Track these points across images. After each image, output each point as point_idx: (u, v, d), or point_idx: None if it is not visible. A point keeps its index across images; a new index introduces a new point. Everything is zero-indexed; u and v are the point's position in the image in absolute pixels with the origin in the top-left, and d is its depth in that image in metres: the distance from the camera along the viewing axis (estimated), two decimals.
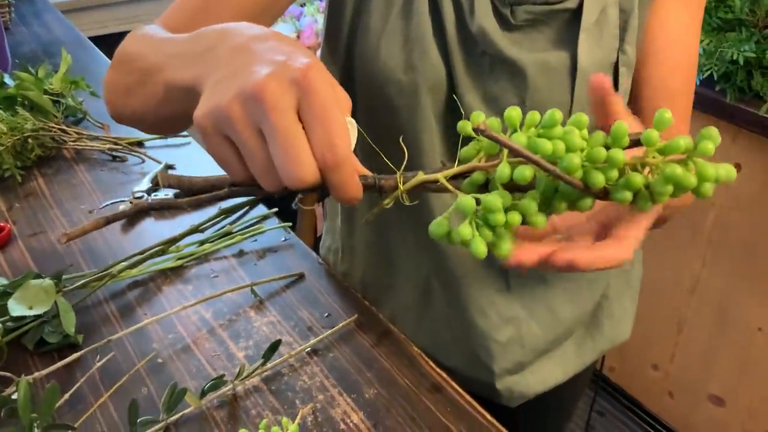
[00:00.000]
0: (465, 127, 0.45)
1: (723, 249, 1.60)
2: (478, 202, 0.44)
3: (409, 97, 0.71)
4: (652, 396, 1.94)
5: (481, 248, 0.43)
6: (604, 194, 0.45)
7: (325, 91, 0.41)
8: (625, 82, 0.73)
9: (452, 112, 0.72)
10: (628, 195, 0.44)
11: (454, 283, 0.81)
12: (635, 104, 0.79)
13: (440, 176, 0.46)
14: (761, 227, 1.51)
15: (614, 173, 0.43)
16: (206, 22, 0.53)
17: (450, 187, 0.46)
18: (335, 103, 0.42)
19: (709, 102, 1.47)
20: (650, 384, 1.92)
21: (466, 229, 0.44)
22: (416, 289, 0.84)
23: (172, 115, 0.60)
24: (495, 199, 0.43)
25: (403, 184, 0.47)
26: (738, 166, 1.50)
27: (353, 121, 0.45)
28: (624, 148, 0.44)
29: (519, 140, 0.44)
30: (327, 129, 0.41)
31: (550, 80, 0.69)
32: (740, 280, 1.59)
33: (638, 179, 0.43)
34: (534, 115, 0.45)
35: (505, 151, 0.44)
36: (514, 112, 0.46)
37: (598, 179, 0.43)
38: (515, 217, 0.44)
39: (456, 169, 0.47)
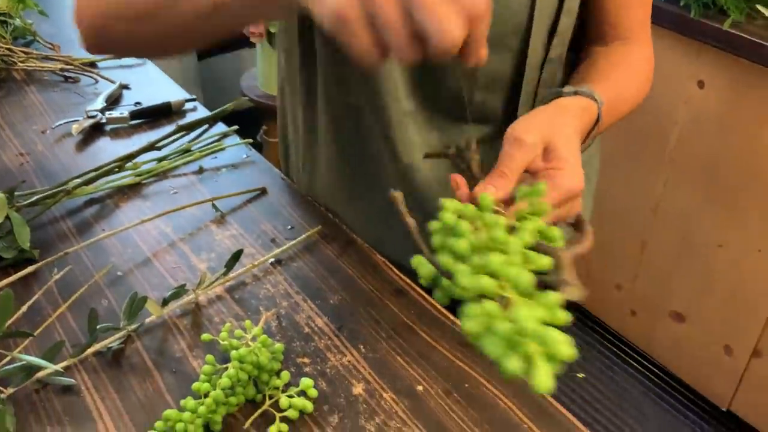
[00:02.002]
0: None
1: (685, 168, 1.62)
2: None
3: None
4: (615, 315, 1.99)
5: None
6: None
7: None
8: None
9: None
10: None
11: (420, 192, 0.80)
12: (592, 15, 0.78)
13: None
14: (723, 145, 1.52)
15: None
16: None
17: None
18: None
19: (674, 17, 1.46)
20: (613, 303, 1.96)
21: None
22: (382, 198, 0.84)
23: (211, 32, 0.58)
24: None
25: None
26: (701, 83, 1.50)
27: None
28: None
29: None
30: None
31: None
32: (702, 198, 1.61)
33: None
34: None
35: None
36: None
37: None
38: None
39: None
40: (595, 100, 0.68)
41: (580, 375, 1.99)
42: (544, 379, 0.39)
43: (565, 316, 0.41)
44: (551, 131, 0.59)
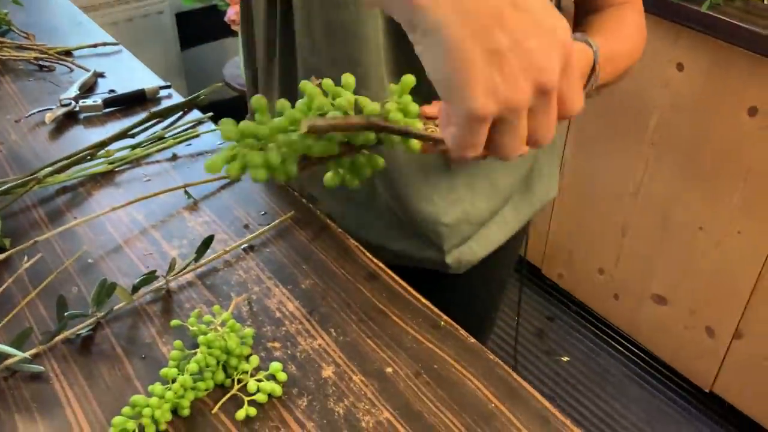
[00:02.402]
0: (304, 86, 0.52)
1: (665, 151, 1.62)
2: None
3: (366, 25, 0.69)
4: (598, 299, 2.00)
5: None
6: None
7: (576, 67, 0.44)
8: None
9: None
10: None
11: (395, 178, 0.80)
12: None
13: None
14: (703, 128, 1.53)
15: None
16: None
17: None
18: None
19: (652, 0, 1.46)
20: (597, 288, 1.98)
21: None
22: (356, 190, 0.84)
23: None
24: None
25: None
26: (680, 66, 1.50)
27: None
28: None
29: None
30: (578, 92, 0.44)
31: None
32: (682, 181, 1.62)
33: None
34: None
35: None
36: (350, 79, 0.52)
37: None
38: None
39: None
40: (589, 44, 0.67)
41: (564, 358, 2.00)
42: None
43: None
44: None
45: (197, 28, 2.60)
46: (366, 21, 0.70)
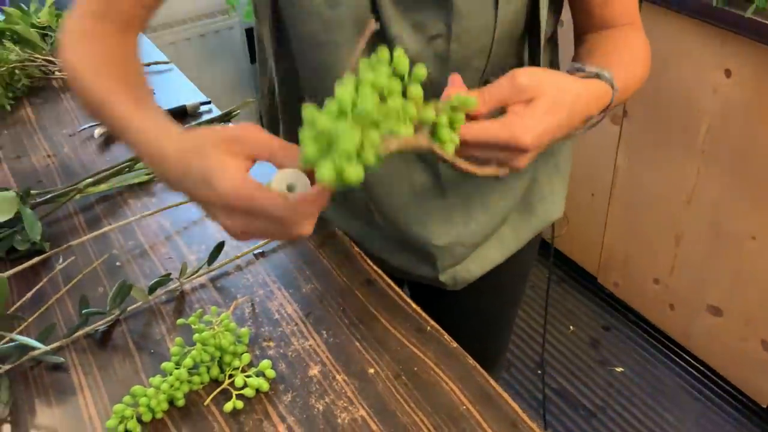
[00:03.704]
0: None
1: (716, 158, 1.59)
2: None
3: (335, 33, 0.70)
4: (654, 309, 1.96)
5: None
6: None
7: (251, 203, 0.54)
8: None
9: (379, 43, 0.72)
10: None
11: (387, 202, 0.83)
12: (582, 6, 0.79)
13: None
14: (753, 134, 1.48)
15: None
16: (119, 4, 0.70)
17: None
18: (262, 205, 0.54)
19: (697, 6, 1.43)
20: (652, 297, 1.94)
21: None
22: (357, 208, 0.87)
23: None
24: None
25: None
26: (728, 72, 1.47)
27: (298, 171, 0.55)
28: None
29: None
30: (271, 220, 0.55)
31: (475, 4, 0.69)
32: (733, 188, 1.57)
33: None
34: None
35: None
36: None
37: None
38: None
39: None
40: (612, 86, 0.67)
41: (619, 369, 1.98)
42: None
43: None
44: (549, 88, 0.59)
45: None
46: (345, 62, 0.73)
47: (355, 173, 0.48)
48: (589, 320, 2.14)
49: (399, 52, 0.53)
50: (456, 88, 0.58)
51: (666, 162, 1.71)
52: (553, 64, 0.86)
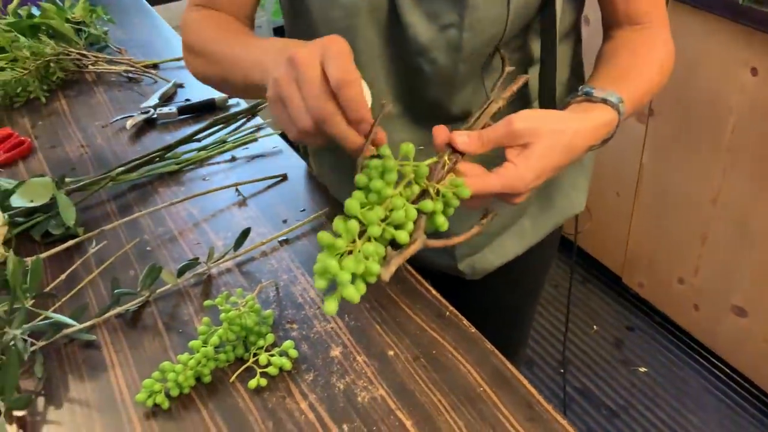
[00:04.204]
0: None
1: (742, 157, 1.58)
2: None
3: (351, 19, 0.73)
4: (678, 309, 1.95)
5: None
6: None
7: (338, 47, 0.56)
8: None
9: (393, 29, 0.75)
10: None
11: None
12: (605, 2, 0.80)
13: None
14: None
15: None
16: None
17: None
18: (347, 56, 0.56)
19: (723, 4, 1.43)
20: (677, 297, 1.93)
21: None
22: None
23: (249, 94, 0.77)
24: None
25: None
26: (755, 71, 1.46)
27: (366, 86, 0.60)
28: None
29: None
30: (340, 67, 0.55)
31: None
32: (760, 188, 1.56)
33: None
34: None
35: None
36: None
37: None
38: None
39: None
40: (618, 111, 0.68)
41: (642, 369, 1.97)
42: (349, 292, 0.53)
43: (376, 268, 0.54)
44: (545, 133, 0.62)
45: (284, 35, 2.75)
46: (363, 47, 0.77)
47: (356, 294, 0.53)
48: (613, 320, 2.13)
49: (408, 147, 0.59)
50: (442, 138, 0.61)
51: (692, 161, 1.71)
52: (574, 61, 0.87)
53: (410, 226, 0.56)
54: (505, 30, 0.71)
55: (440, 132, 0.61)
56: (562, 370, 1.99)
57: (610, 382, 1.95)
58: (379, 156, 0.59)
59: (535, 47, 0.78)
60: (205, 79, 0.82)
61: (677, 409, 1.85)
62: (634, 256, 2.03)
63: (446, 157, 0.60)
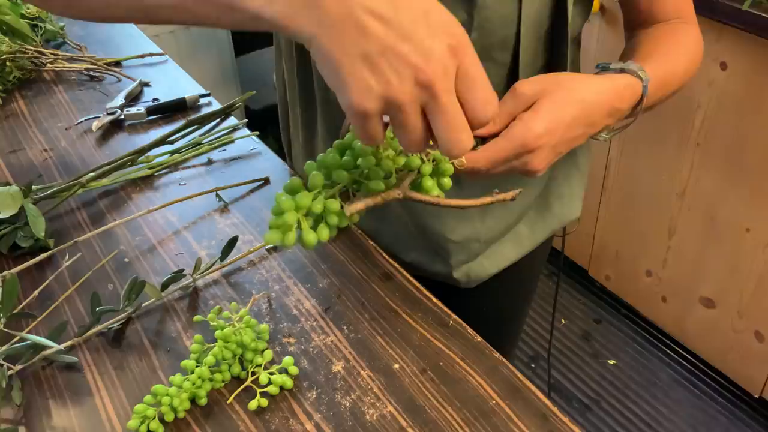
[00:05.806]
0: None
1: (710, 151, 1.60)
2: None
3: None
4: (646, 302, 1.97)
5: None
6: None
7: (476, 59, 0.44)
8: None
9: None
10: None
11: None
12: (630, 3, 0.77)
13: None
14: (747, 127, 1.49)
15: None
16: None
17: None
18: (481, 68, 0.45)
19: None
20: (644, 290, 1.95)
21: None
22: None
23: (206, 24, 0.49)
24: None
25: None
26: (723, 65, 1.48)
27: None
28: None
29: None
30: (482, 93, 0.45)
31: None
32: (728, 181, 1.58)
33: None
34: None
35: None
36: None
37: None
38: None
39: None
40: (640, 77, 0.65)
41: (612, 361, 1.98)
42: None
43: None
44: (553, 89, 0.59)
45: (251, 35, 2.68)
46: None
47: (313, 238, 0.50)
48: (580, 313, 2.15)
49: None
50: None
51: (660, 154, 1.72)
52: (575, 64, 0.85)
53: (389, 180, 0.54)
54: (518, 34, 0.69)
55: None
56: (533, 365, 1.99)
57: (581, 376, 1.96)
58: None
59: (549, 53, 0.76)
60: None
61: (647, 400, 1.87)
62: (601, 249, 2.04)
63: None
